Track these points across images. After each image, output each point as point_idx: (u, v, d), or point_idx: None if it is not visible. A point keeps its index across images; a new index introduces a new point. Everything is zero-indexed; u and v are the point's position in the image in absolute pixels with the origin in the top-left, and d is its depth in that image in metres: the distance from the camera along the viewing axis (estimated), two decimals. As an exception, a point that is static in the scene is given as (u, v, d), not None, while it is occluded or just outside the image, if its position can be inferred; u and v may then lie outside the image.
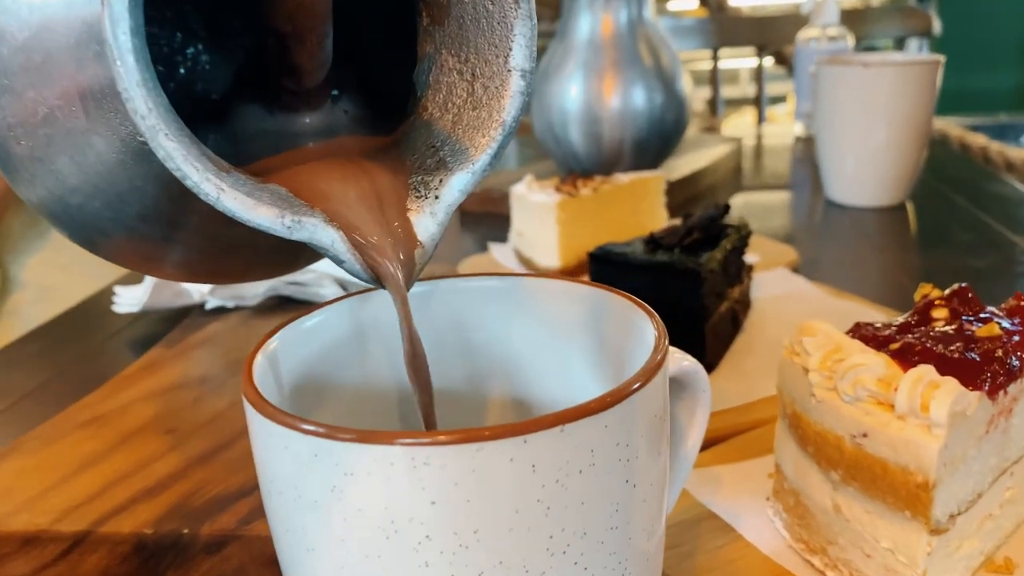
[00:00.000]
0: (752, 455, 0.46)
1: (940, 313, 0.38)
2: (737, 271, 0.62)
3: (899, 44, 2.05)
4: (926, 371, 0.33)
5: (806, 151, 1.32)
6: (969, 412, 0.32)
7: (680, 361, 0.31)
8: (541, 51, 1.06)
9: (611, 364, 0.32)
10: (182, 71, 0.36)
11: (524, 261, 0.78)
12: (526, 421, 0.22)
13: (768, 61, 2.05)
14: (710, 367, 0.56)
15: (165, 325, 0.70)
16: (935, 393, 0.32)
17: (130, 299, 0.70)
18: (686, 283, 0.55)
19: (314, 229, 0.26)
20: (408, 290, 0.29)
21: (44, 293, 0.89)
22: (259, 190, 0.26)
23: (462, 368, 0.35)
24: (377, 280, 0.28)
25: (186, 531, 0.41)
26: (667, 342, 0.27)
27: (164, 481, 0.44)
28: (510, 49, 0.30)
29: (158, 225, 0.31)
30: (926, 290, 0.39)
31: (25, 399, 0.61)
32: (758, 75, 1.99)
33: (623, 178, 0.79)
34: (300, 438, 0.23)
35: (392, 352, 0.33)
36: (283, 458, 0.24)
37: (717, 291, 0.57)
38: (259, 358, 0.27)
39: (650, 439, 0.25)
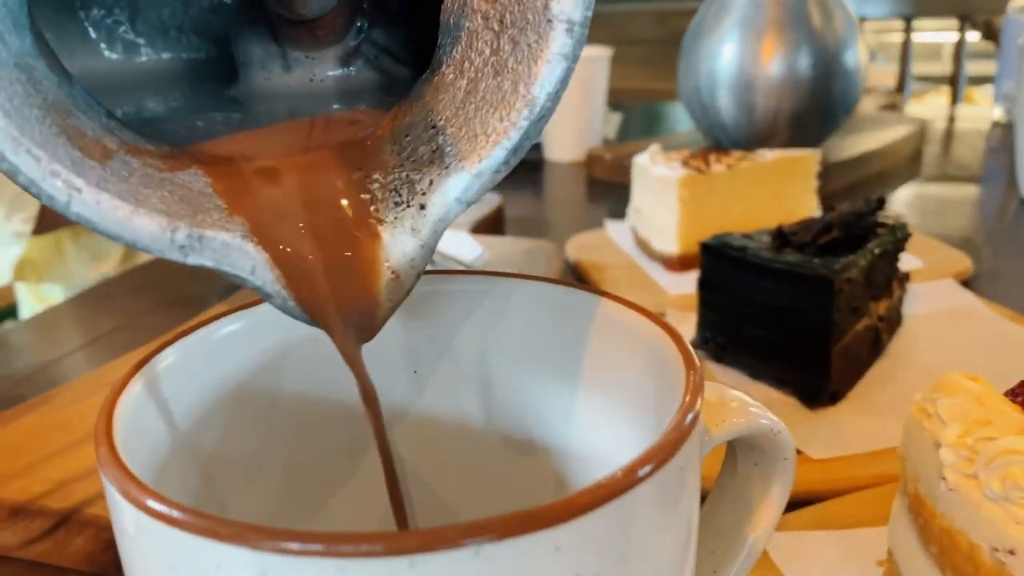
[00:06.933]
0: (868, 522, 0.36)
1: None
2: (886, 281, 0.51)
3: None
4: (1118, 477, 0.22)
5: (1004, 139, 1.14)
6: None
7: (757, 418, 0.23)
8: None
9: (652, 416, 0.24)
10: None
11: (640, 243, 0.69)
12: (422, 532, 0.14)
13: (973, 36, 1.81)
14: (835, 396, 0.46)
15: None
16: None
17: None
18: (814, 293, 0.45)
19: (224, 249, 0.19)
20: (367, 339, 0.21)
21: None
22: (154, 186, 0.19)
23: (465, 391, 0.27)
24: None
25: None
26: (694, 414, 0.18)
27: (167, 462, 0.40)
28: None
29: None
30: None
31: (102, 337, 0.60)
32: (958, 49, 1.77)
33: (767, 155, 0.68)
34: (127, 506, 0.16)
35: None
36: (118, 521, 0.17)
37: (854, 305, 0.46)
38: (134, 386, 0.20)
39: (644, 557, 0.17)
